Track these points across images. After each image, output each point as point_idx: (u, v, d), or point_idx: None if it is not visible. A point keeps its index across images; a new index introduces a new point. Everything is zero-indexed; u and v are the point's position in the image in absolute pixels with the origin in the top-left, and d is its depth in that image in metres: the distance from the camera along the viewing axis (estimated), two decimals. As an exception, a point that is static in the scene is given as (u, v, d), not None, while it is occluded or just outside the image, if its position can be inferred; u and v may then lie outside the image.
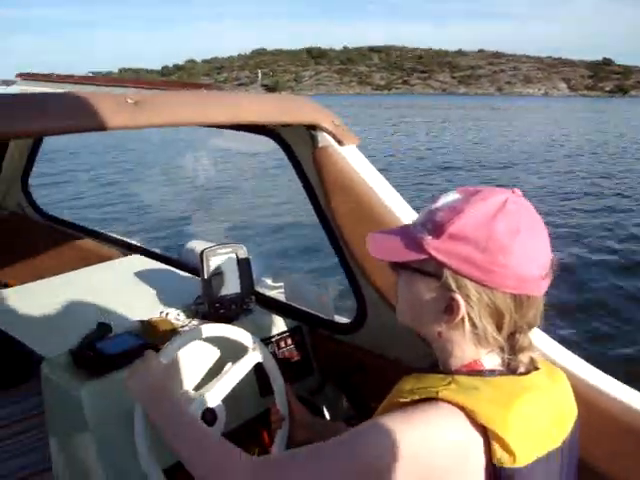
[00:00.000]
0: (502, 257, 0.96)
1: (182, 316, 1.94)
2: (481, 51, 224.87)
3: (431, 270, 1.01)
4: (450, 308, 1.01)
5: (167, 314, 1.93)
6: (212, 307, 1.89)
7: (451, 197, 1.04)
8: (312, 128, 1.74)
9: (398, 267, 1.09)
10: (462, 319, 1.00)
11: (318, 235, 2.01)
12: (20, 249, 3.27)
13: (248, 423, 1.81)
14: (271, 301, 2.19)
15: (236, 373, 1.64)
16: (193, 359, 1.70)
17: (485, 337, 1.01)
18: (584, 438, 1.14)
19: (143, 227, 10.07)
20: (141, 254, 2.74)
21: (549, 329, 1.30)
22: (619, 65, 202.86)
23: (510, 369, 1.04)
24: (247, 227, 10.25)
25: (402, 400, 1.01)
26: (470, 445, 0.95)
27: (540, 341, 1.45)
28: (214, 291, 1.89)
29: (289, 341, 1.98)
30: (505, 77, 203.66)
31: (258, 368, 1.71)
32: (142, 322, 1.87)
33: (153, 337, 1.75)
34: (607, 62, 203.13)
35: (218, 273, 1.90)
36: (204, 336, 1.64)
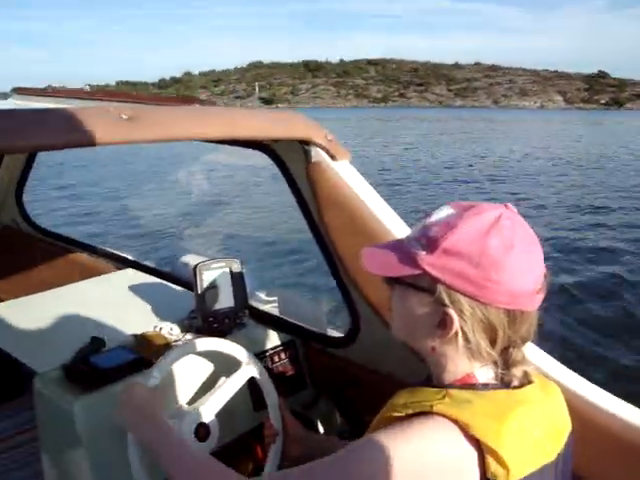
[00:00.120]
0: (495, 273, 0.96)
1: (176, 330, 1.94)
2: (477, 64, 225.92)
3: (425, 285, 1.01)
4: (443, 323, 1.01)
5: (161, 328, 1.92)
6: (206, 321, 1.89)
7: (445, 212, 1.04)
8: (305, 143, 1.75)
9: (392, 282, 1.09)
10: (455, 334, 1.00)
11: (312, 249, 2.01)
12: (14, 263, 3.26)
13: (242, 438, 1.80)
14: (265, 315, 2.18)
15: (229, 387, 1.64)
16: (186, 373, 1.69)
17: (479, 352, 1.02)
18: (578, 452, 1.14)
19: (137, 241, 10.04)
20: (135, 268, 2.73)
21: (542, 343, 1.31)
22: (614, 78, 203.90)
23: (504, 383, 1.04)
24: (241, 241, 10.24)
25: (396, 414, 1.01)
26: (464, 459, 0.94)
27: (534, 355, 1.45)
28: (208, 305, 1.89)
29: (283, 355, 1.98)
30: (501, 90, 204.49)
31: (251, 382, 1.71)
32: (136, 336, 1.87)
33: (147, 351, 1.75)
34: (602, 75, 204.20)
35: (212, 287, 1.90)
36: (196, 351, 1.65)
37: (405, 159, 25.55)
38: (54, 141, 1.27)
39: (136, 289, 2.35)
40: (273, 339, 1.98)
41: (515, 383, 1.05)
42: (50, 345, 1.91)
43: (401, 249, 1.07)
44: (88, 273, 2.67)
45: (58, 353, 1.71)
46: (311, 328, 2.06)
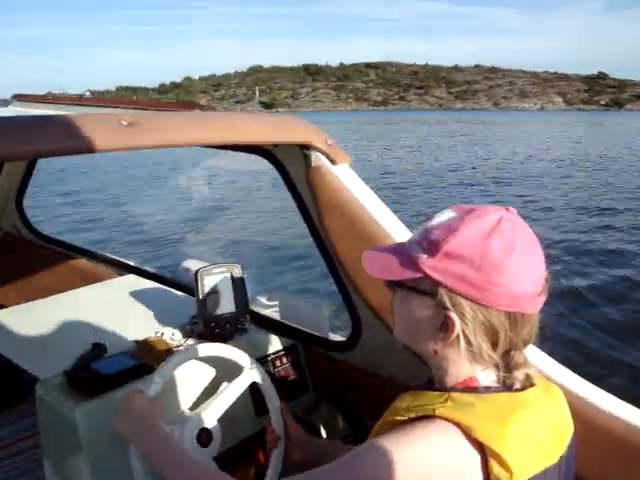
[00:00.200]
0: (496, 276, 0.96)
1: (177, 336, 1.94)
2: (477, 66, 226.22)
3: (426, 288, 1.02)
4: (445, 326, 1.01)
5: (162, 334, 1.92)
6: (207, 326, 1.89)
7: (446, 215, 1.04)
8: (305, 147, 1.75)
9: (394, 285, 1.09)
10: (457, 337, 1.01)
11: (313, 254, 2.01)
12: (15, 269, 3.27)
13: (244, 443, 1.80)
14: (266, 320, 2.18)
15: (231, 393, 1.64)
16: (188, 379, 1.69)
17: (480, 354, 1.02)
18: (581, 454, 1.14)
19: (138, 247, 10.03)
20: (136, 274, 2.74)
21: (544, 345, 1.30)
22: (614, 79, 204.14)
23: (506, 386, 1.04)
24: (242, 246, 10.24)
25: (399, 418, 1.01)
26: (467, 462, 0.95)
27: (536, 357, 1.45)
28: (209, 311, 1.89)
29: (284, 360, 1.98)
30: (501, 92, 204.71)
31: (253, 387, 1.71)
32: (137, 342, 1.87)
33: (148, 357, 1.75)
34: (602, 76, 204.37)
35: (213, 293, 1.90)
36: (197, 356, 1.64)
37: (408, 162, 25.47)
38: (54, 148, 1.28)
39: (137, 295, 2.36)
40: (274, 344, 1.98)
41: (517, 386, 1.05)
42: (52, 351, 1.91)
43: (402, 252, 1.07)
44: (89, 279, 2.67)
45: (60, 359, 1.71)
46: (312, 332, 2.06)
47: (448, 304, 0.99)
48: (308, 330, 2.07)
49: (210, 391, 1.69)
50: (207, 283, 1.89)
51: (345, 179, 1.78)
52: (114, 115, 1.39)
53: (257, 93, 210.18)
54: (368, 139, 39.81)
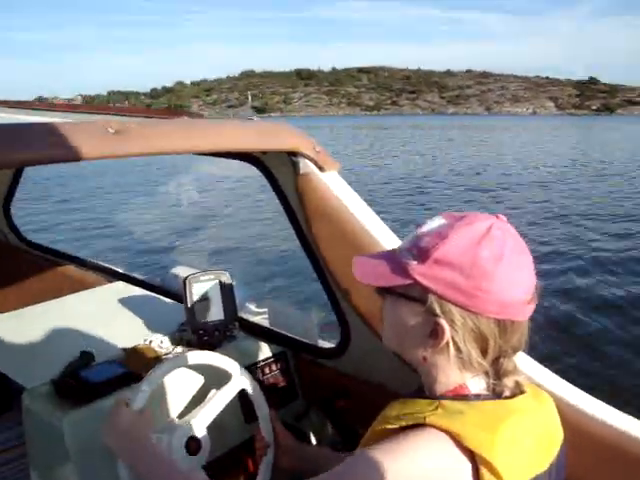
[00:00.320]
0: (485, 283, 0.97)
1: (166, 343, 1.93)
2: (469, 71, 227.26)
3: (416, 295, 1.02)
4: (435, 333, 1.01)
5: (151, 341, 1.92)
6: (196, 334, 1.88)
7: (436, 222, 1.05)
8: (293, 154, 1.75)
9: (383, 292, 1.10)
10: (447, 344, 1.01)
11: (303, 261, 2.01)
12: (2, 276, 3.24)
13: (233, 451, 1.79)
14: (255, 327, 2.18)
15: (220, 400, 1.63)
16: (176, 387, 1.68)
17: (470, 362, 1.02)
18: (571, 461, 1.14)
19: (126, 253, 9.99)
20: (124, 281, 2.72)
21: (534, 353, 1.30)
22: (605, 84, 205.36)
23: (495, 393, 1.05)
24: (232, 252, 10.23)
25: (389, 427, 1.01)
26: (458, 470, 0.95)
27: (525, 365, 1.45)
28: (197, 318, 1.88)
29: (274, 367, 1.97)
30: (493, 97, 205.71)
31: (242, 395, 1.70)
32: (125, 350, 1.86)
33: (137, 365, 1.74)
34: (593, 81, 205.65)
35: (201, 300, 1.89)
36: (186, 364, 1.64)
37: (399, 167, 25.48)
38: (39, 156, 1.26)
39: (126, 302, 2.34)
40: (264, 351, 1.98)
41: (507, 393, 1.05)
42: (39, 359, 1.89)
43: (392, 259, 1.07)
44: (77, 286, 2.66)
45: (47, 368, 1.70)
46: (302, 339, 2.05)
47: (438, 311, 0.99)
48: (297, 337, 2.07)
49: (199, 399, 1.69)
50: (196, 290, 1.88)
51: (333, 186, 1.78)
52: (100, 122, 1.38)
53: (249, 98, 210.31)
54: (363, 145, 39.75)
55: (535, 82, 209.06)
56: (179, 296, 2.03)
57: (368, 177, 20.95)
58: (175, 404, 1.68)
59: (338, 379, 1.94)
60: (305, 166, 1.76)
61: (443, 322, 0.99)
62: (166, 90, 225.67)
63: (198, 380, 1.74)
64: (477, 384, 1.05)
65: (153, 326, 2.09)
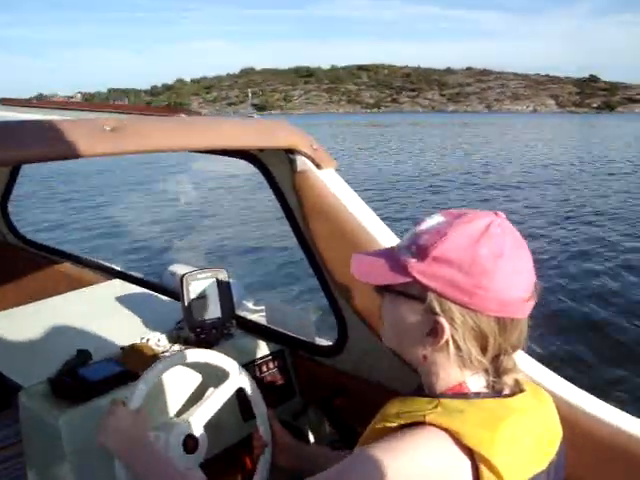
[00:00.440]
0: (485, 281, 0.96)
1: (163, 341, 1.92)
2: (469, 69, 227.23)
3: (415, 293, 1.01)
4: (434, 331, 1.01)
5: (148, 339, 1.91)
6: (193, 332, 1.88)
7: (435, 220, 1.04)
8: (290, 152, 1.75)
9: (382, 290, 1.09)
10: (446, 342, 1.00)
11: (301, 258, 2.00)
12: (0, 275, 3.24)
13: (230, 449, 1.79)
14: (252, 325, 2.17)
15: (218, 399, 1.63)
16: (174, 385, 1.68)
17: (470, 360, 1.01)
18: (570, 460, 1.14)
19: (124, 251, 9.97)
20: (122, 279, 2.72)
21: (533, 351, 1.30)
22: (605, 82, 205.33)
23: (495, 391, 1.04)
24: (229, 250, 10.22)
25: (389, 425, 1.01)
26: (458, 469, 0.94)
27: (525, 364, 1.45)
28: (195, 316, 1.88)
29: (271, 365, 1.97)
30: (493, 94, 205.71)
31: (240, 393, 1.70)
32: (123, 348, 1.85)
33: (134, 363, 1.74)
34: (593, 79, 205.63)
35: (199, 298, 1.89)
36: (183, 362, 1.64)
37: (398, 165, 25.46)
38: (35, 154, 1.26)
39: (123, 300, 2.34)
40: (261, 349, 1.98)
41: (506, 391, 1.05)
42: (36, 358, 1.89)
43: (391, 257, 1.07)
44: (75, 284, 2.66)
45: (44, 366, 1.70)
46: (299, 337, 2.05)
47: (437, 309, 0.99)
48: (295, 335, 2.06)
49: (196, 397, 1.69)
50: (193, 288, 1.88)
51: (331, 184, 1.77)
52: (97, 120, 1.38)
53: (250, 95, 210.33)
54: (365, 143, 39.72)
55: (535, 80, 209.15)
56: (176, 294, 2.02)
57: (367, 175, 20.93)
58: (172, 402, 1.68)
59: (336, 377, 1.94)
60: (302, 164, 1.76)
61: (443, 320, 0.99)
62: (166, 88, 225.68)
63: (195, 378, 1.74)
64: (477, 382, 1.04)
65: (150, 324, 2.09)
